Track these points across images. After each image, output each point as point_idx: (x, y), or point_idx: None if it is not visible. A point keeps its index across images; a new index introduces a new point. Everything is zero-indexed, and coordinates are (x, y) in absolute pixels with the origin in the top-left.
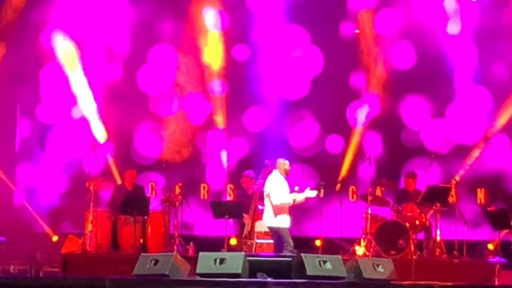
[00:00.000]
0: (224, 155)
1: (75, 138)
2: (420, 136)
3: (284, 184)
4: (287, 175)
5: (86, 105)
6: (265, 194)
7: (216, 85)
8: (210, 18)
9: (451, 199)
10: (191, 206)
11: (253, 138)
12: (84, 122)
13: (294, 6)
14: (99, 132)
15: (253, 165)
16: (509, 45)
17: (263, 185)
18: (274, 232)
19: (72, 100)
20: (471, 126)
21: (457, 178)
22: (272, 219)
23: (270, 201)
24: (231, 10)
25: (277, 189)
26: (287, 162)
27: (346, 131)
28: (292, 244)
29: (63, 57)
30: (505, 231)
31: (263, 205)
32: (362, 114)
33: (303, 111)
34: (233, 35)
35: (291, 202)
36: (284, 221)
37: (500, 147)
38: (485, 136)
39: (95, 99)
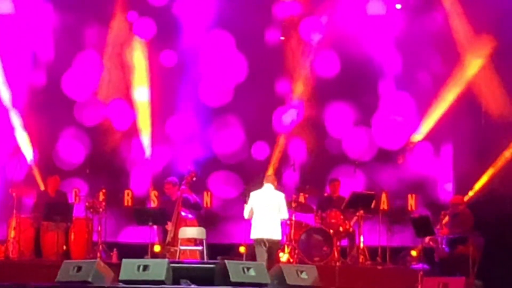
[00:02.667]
0: (148, 162)
1: None
2: (342, 144)
3: None
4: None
5: (8, 111)
6: (273, 206)
7: (141, 92)
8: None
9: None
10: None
11: (177, 145)
12: (6, 127)
13: (219, 13)
14: (22, 139)
15: (177, 172)
16: (433, 52)
17: (185, 191)
18: (275, 246)
19: None
20: (395, 133)
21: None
22: (280, 233)
23: (278, 214)
24: (157, 16)
25: (285, 204)
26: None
27: (271, 138)
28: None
29: None
30: (428, 238)
31: (186, 211)
32: (287, 119)
33: (227, 118)
34: (157, 41)
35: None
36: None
37: (423, 154)
38: (408, 142)
39: (18, 105)
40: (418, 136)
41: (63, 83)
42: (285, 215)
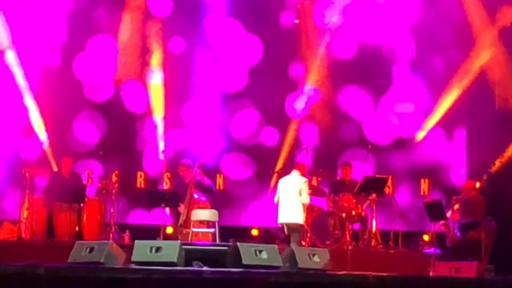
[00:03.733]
0: (161, 144)
1: (10, 125)
2: (359, 127)
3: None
4: (305, 175)
5: (22, 92)
6: (295, 191)
7: (155, 74)
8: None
9: (387, 190)
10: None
11: (191, 128)
12: (20, 108)
13: None
14: (36, 120)
15: (190, 155)
16: (447, 37)
17: (199, 174)
18: (296, 229)
19: (6, 87)
20: (409, 119)
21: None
22: (300, 217)
23: (299, 198)
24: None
25: (308, 188)
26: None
27: (284, 122)
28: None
29: None
30: (440, 223)
31: (198, 194)
32: (300, 104)
33: (242, 101)
34: (171, 25)
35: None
36: (303, 218)
37: (436, 140)
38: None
39: (32, 86)
40: (421, 133)
41: (77, 65)
42: (305, 200)
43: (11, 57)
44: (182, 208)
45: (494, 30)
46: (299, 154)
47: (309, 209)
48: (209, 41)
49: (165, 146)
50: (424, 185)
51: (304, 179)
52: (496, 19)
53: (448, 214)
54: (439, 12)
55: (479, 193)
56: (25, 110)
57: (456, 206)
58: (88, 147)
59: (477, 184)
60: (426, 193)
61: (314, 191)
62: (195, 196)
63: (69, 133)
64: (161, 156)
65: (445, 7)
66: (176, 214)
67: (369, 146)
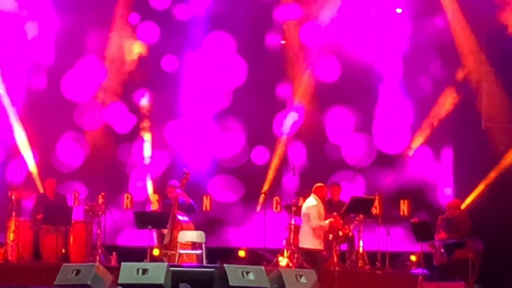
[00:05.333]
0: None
1: None
2: (342, 149)
3: (319, 207)
4: (324, 199)
5: (8, 113)
6: (303, 216)
7: (141, 96)
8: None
9: (374, 211)
10: (114, 216)
11: (178, 149)
12: (6, 130)
13: (220, 16)
14: (22, 141)
15: (178, 176)
16: (433, 57)
17: (181, 194)
18: (309, 254)
19: None
20: (395, 138)
21: None
22: (308, 241)
23: (308, 223)
24: (158, 20)
25: (315, 212)
26: (323, 186)
27: (271, 142)
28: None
29: None
30: (427, 243)
31: (181, 214)
32: (288, 123)
33: (228, 122)
34: (157, 45)
35: (325, 225)
36: (318, 244)
37: (423, 159)
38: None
39: (18, 107)
40: (411, 150)
41: (63, 86)
42: (312, 223)
43: None
44: (166, 230)
45: (481, 50)
46: (286, 175)
47: (296, 229)
48: (196, 62)
49: (152, 167)
50: (404, 206)
51: (312, 203)
52: (481, 41)
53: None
54: (426, 31)
55: (463, 212)
56: (10, 131)
57: (441, 226)
58: (74, 169)
59: (464, 203)
60: (406, 213)
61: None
62: (179, 217)
63: (54, 155)
64: (148, 178)
65: (431, 27)
66: (162, 236)
67: (356, 167)
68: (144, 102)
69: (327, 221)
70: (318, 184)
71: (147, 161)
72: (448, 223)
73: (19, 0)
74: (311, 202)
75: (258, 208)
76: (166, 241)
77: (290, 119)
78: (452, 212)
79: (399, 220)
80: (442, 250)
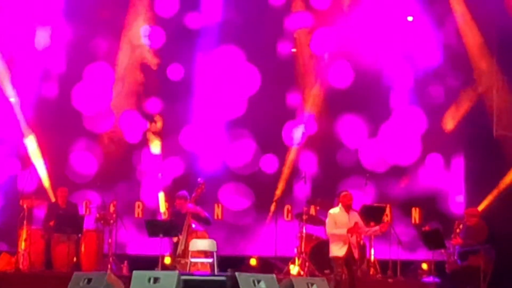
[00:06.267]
0: (159, 174)
1: (7, 155)
2: (357, 155)
3: (337, 215)
4: (348, 207)
5: (20, 123)
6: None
7: (152, 104)
8: (145, 35)
9: (385, 219)
10: (125, 225)
11: (189, 157)
12: (17, 138)
13: (231, 25)
14: (34, 150)
15: (189, 184)
16: (445, 65)
17: (193, 209)
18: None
19: (3, 117)
20: (407, 147)
21: None
22: (331, 249)
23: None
24: (168, 28)
25: (330, 219)
26: (346, 194)
27: (282, 150)
28: (340, 274)
29: None
30: (439, 251)
31: (196, 223)
32: (298, 133)
33: (240, 130)
34: (169, 53)
35: (341, 233)
36: (335, 251)
37: (434, 167)
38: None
39: (29, 116)
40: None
41: (75, 95)
42: (327, 230)
43: (8, 87)
44: (179, 238)
45: (492, 57)
46: (298, 183)
47: (307, 238)
48: (207, 70)
49: (163, 175)
50: (415, 213)
51: (332, 211)
52: (493, 48)
53: (449, 239)
54: (437, 39)
55: (481, 220)
56: (22, 140)
57: (458, 230)
58: (86, 178)
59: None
60: (417, 221)
61: (313, 220)
62: (193, 226)
63: (67, 164)
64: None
65: (442, 35)
66: (173, 244)
67: (368, 175)
68: (156, 110)
69: (342, 230)
70: (342, 192)
71: (158, 169)
72: (465, 230)
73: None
74: (331, 210)
75: (270, 216)
76: (180, 249)
77: (299, 131)
78: (470, 219)
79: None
80: (455, 257)
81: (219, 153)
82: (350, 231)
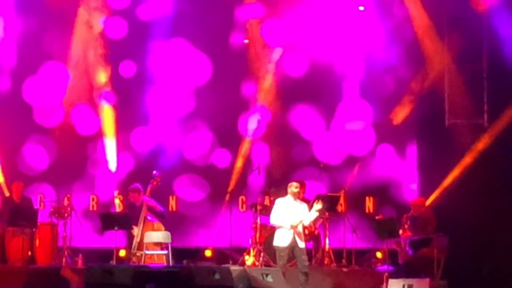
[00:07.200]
0: (113, 167)
1: None
2: (311, 146)
3: (282, 205)
4: (296, 198)
5: None
6: None
7: (105, 97)
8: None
9: (340, 208)
10: (79, 218)
11: (144, 150)
12: None
13: (182, 17)
14: None
15: (143, 177)
16: (397, 54)
17: (149, 202)
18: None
19: None
20: (360, 137)
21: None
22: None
23: None
24: (120, 20)
25: (274, 210)
26: (293, 184)
27: (237, 141)
28: (280, 263)
29: None
30: (393, 240)
31: (151, 216)
32: (252, 124)
33: (194, 122)
34: (121, 46)
35: (280, 225)
36: (277, 240)
37: (387, 156)
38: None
39: None
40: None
41: (26, 89)
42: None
43: None
44: (135, 231)
45: (444, 48)
46: (252, 174)
47: (261, 228)
48: (159, 62)
49: (117, 168)
50: (369, 203)
51: (277, 200)
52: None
53: (400, 232)
54: (388, 28)
55: (428, 209)
56: None
57: (407, 224)
58: (39, 171)
59: (428, 199)
60: (371, 211)
61: (267, 210)
62: (148, 218)
63: (19, 158)
64: (113, 179)
65: (393, 24)
66: (128, 237)
67: (322, 165)
68: (109, 103)
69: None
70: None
71: (112, 163)
72: (413, 221)
73: None
74: (278, 199)
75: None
76: (135, 242)
77: (253, 122)
78: (417, 210)
79: (365, 217)
80: (407, 248)
81: (175, 145)
82: (292, 227)
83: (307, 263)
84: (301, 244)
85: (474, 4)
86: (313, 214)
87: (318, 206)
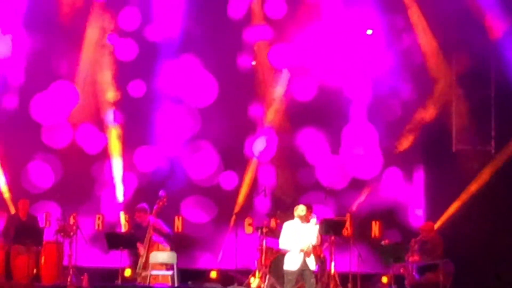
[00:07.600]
0: (119, 186)
1: None
2: (315, 171)
3: (290, 229)
4: (303, 220)
5: None
6: None
7: (112, 116)
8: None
9: (345, 232)
10: (85, 237)
11: (150, 170)
12: None
13: (190, 38)
14: None
15: (149, 197)
16: (405, 79)
17: (155, 222)
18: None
19: None
20: (367, 161)
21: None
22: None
23: None
24: (129, 40)
25: (282, 234)
26: (299, 207)
27: (243, 163)
28: (288, 287)
29: None
30: (398, 265)
31: (157, 236)
32: (259, 146)
33: (200, 143)
34: (130, 66)
35: (287, 248)
36: (287, 264)
37: (394, 181)
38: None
39: None
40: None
41: (33, 107)
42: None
43: None
44: (141, 250)
45: (452, 73)
46: (258, 196)
47: (267, 251)
48: (168, 83)
49: (123, 188)
50: (375, 227)
51: (285, 223)
52: (453, 64)
53: (407, 256)
54: (396, 53)
55: (437, 234)
56: None
57: (415, 247)
58: (45, 189)
59: (435, 225)
60: (377, 235)
61: (273, 233)
62: (154, 238)
63: (26, 175)
64: (120, 199)
65: (402, 49)
66: (133, 256)
67: (328, 188)
68: (116, 123)
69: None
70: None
71: (118, 182)
72: (421, 245)
73: None
74: (286, 222)
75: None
76: (141, 262)
77: (260, 144)
78: (426, 234)
79: (371, 241)
80: (414, 273)
81: (182, 165)
82: (302, 251)
83: (314, 286)
84: (312, 267)
85: (488, 31)
86: (315, 229)
87: (313, 220)
